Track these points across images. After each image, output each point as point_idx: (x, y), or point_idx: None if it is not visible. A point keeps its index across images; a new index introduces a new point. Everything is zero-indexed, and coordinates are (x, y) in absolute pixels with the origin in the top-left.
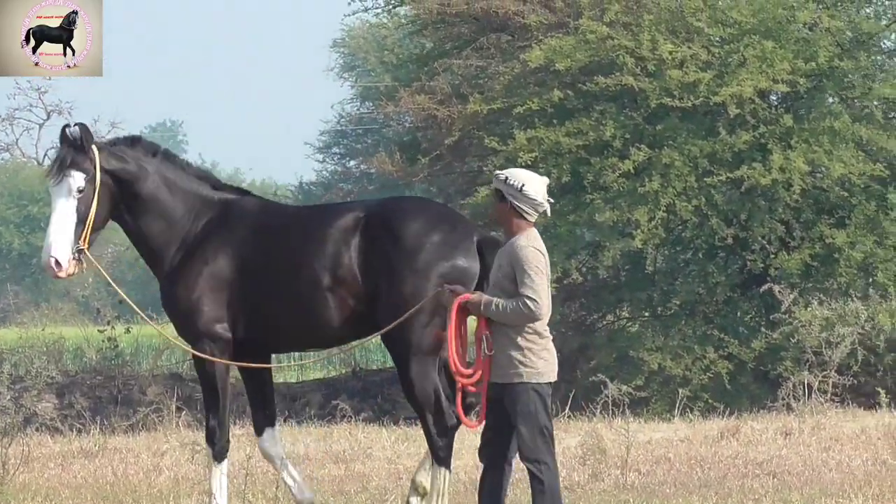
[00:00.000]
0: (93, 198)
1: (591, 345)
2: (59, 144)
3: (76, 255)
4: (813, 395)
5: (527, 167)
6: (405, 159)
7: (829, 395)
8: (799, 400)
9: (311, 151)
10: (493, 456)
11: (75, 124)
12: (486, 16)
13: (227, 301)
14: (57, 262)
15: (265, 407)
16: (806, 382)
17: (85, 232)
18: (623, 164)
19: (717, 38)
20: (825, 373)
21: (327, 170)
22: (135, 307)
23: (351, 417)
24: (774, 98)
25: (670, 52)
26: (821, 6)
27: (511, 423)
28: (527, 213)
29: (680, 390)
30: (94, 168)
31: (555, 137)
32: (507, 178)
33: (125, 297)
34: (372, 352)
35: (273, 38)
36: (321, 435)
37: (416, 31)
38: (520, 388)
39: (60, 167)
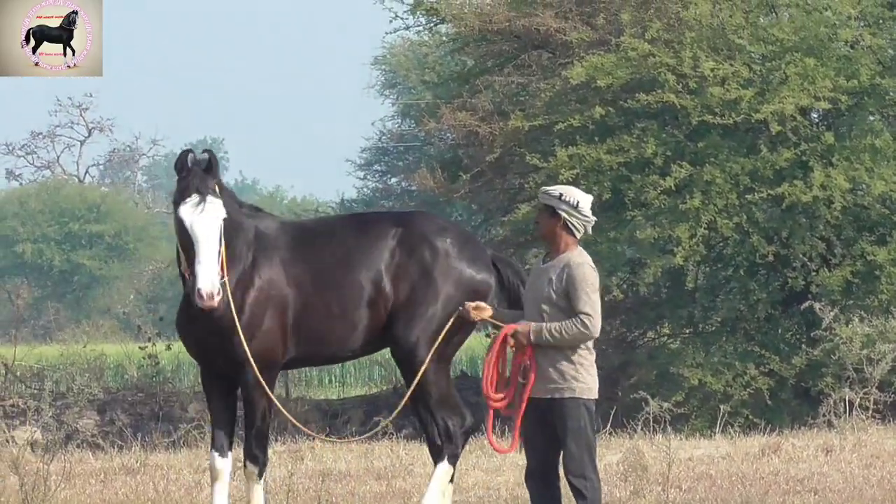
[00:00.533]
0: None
1: (632, 362)
2: (182, 171)
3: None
4: (854, 412)
5: (568, 184)
6: (446, 176)
7: (870, 411)
8: (840, 417)
9: (352, 168)
10: (545, 477)
11: (203, 151)
12: (528, 33)
13: (287, 324)
14: (214, 294)
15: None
16: (847, 399)
17: (221, 262)
18: (664, 181)
19: (759, 56)
20: (866, 389)
21: (368, 186)
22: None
23: (392, 434)
24: (816, 115)
25: (712, 70)
26: (863, 24)
27: (557, 440)
28: (577, 230)
29: (721, 406)
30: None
31: (596, 154)
32: (561, 194)
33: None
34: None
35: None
36: (362, 452)
37: (457, 49)
38: (571, 403)
39: (202, 194)
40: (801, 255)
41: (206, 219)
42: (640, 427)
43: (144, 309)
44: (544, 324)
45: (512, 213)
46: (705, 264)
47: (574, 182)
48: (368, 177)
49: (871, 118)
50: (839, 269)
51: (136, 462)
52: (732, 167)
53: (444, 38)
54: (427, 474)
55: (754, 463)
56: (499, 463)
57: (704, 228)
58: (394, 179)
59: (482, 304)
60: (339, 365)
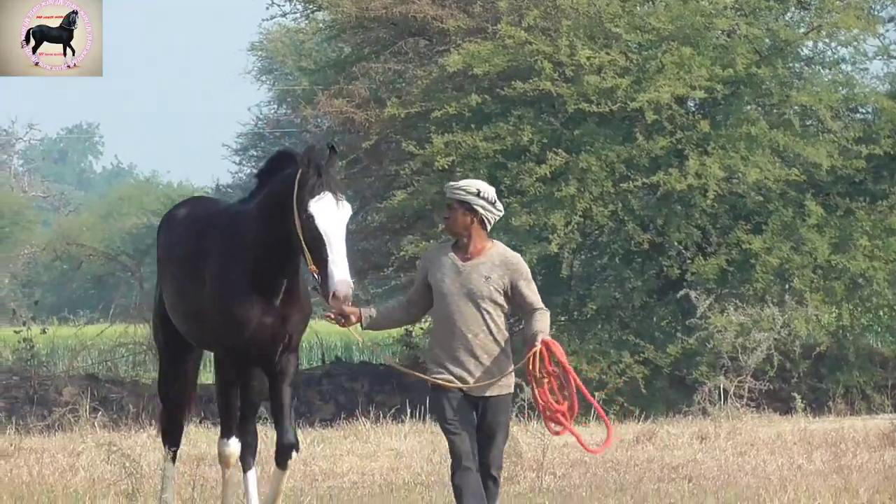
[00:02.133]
0: None
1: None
2: (309, 164)
3: None
4: (729, 400)
5: (443, 171)
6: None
7: (744, 400)
8: (715, 405)
9: (228, 154)
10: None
11: (329, 144)
12: (405, 20)
13: None
14: (349, 295)
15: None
16: (722, 387)
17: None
18: (540, 168)
19: (636, 45)
20: (741, 378)
21: (244, 172)
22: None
23: (266, 419)
24: (692, 104)
25: (588, 58)
26: (739, 14)
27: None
28: (489, 224)
29: (596, 394)
30: None
31: (472, 142)
32: (479, 190)
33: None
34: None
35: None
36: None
37: (334, 36)
38: (508, 399)
39: (333, 192)
40: (676, 244)
41: (338, 218)
42: (515, 413)
43: (20, 293)
44: (540, 324)
45: (388, 200)
46: (580, 252)
47: (449, 169)
48: (244, 162)
49: (747, 107)
50: (714, 257)
51: (11, 445)
52: (608, 155)
53: (320, 25)
54: (301, 459)
55: (629, 450)
56: (373, 449)
57: (580, 216)
58: None
59: (346, 308)
60: None
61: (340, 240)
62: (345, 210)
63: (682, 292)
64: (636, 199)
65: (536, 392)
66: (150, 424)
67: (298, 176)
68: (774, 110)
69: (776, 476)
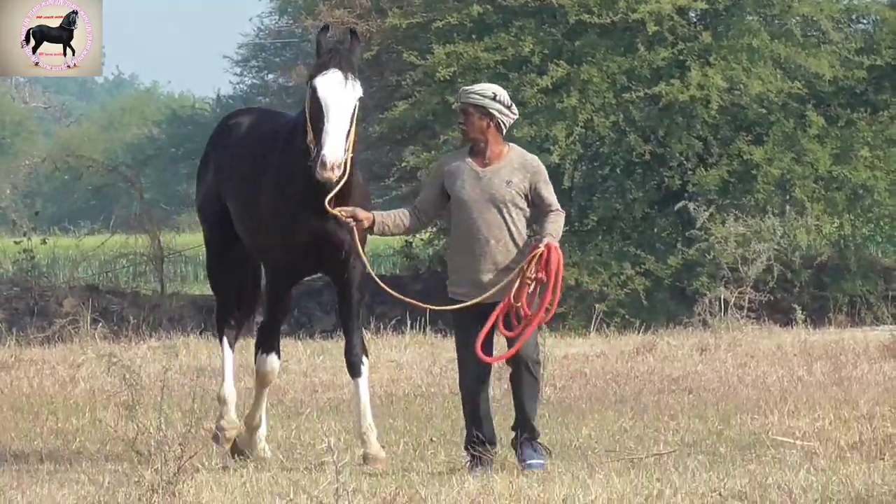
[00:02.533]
0: (355, 121)
1: None
2: (322, 47)
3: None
4: (729, 312)
5: (444, 82)
6: None
7: (745, 311)
8: (715, 316)
9: (229, 65)
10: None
11: (351, 29)
12: None
13: None
14: (336, 165)
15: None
16: (722, 298)
17: (349, 143)
18: (541, 79)
19: None
20: (741, 289)
21: (245, 83)
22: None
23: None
24: (693, 15)
25: None
26: None
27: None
28: (505, 128)
29: (596, 306)
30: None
31: (473, 52)
32: (495, 94)
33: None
34: None
35: None
36: (238, 348)
37: None
38: (533, 294)
39: (342, 70)
40: (677, 155)
41: (342, 93)
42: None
43: (21, 204)
44: (556, 231)
45: (389, 111)
46: (582, 163)
47: (451, 80)
48: (245, 73)
49: (749, 18)
50: (716, 168)
51: (11, 357)
52: (609, 66)
53: None
54: (301, 371)
55: (629, 362)
56: (373, 360)
57: (581, 127)
58: (271, 76)
59: (360, 213)
60: None
61: (340, 113)
62: (351, 89)
63: (682, 203)
64: (637, 110)
65: (514, 288)
66: (150, 336)
67: (315, 55)
68: (776, 21)
69: (776, 388)
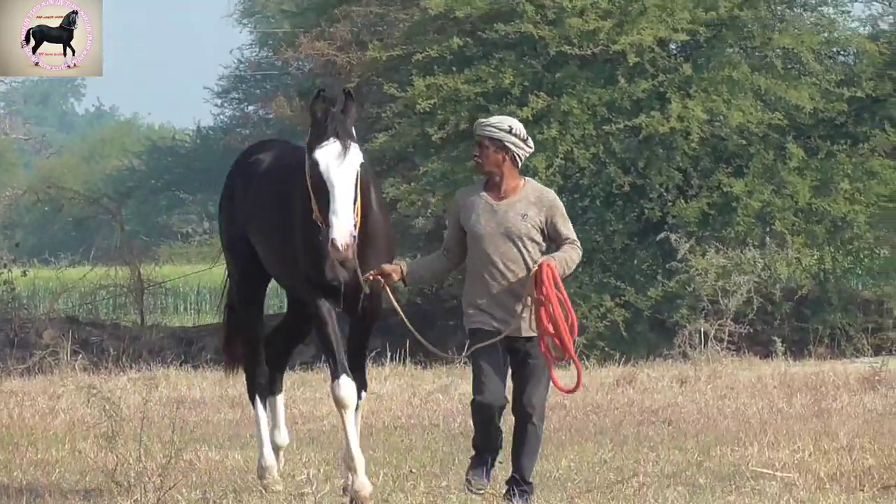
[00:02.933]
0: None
1: None
2: (318, 113)
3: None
4: (709, 344)
5: (425, 114)
6: (303, 105)
7: (724, 343)
8: (695, 348)
9: (210, 96)
10: (500, 413)
11: (345, 89)
12: None
13: None
14: (349, 246)
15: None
16: (702, 331)
17: (356, 210)
18: (521, 111)
19: None
20: (721, 321)
21: (225, 114)
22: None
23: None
24: (674, 47)
25: (570, 0)
26: None
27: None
28: (520, 162)
29: (576, 338)
30: None
31: (454, 84)
32: (511, 127)
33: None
34: (268, 296)
35: None
36: (217, 379)
37: None
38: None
39: (340, 138)
40: (657, 186)
41: (344, 166)
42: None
43: (1, 235)
44: (561, 255)
45: (369, 142)
46: (562, 194)
47: (431, 112)
48: (226, 105)
49: (730, 50)
50: (695, 200)
51: None
52: (590, 98)
53: None
54: (284, 402)
55: (609, 393)
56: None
57: (561, 159)
58: (251, 107)
59: (387, 267)
60: (195, 292)
61: (344, 188)
62: (352, 158)
63: (662, 235)
64: (618, 141)
65: (533, 316)
66: (131, 367)
67: (311, 122)
68: (756, 53)
69: (756, 419)
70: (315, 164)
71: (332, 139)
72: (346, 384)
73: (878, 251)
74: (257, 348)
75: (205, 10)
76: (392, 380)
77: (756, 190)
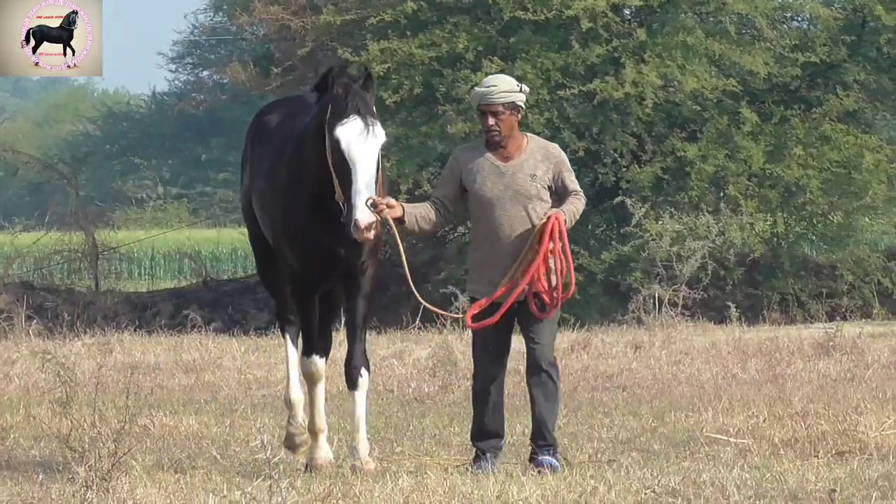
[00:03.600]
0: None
1: (442, 257)
2: (336, 87)
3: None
4: (663, 309)
5: (379, 78)
6: (258, 70)
7: (679, 308)
8: (649, 313)
9: (164, 62)
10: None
11: (365, 68)
12: None
13: None
14: (372, 226)
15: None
16: (656, 296)
17: (379, 187)
18: (475, 76)
19: None
20: (675, 286)
21: (180, 80)
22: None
23: (201, 328)
24: (628, 12)
25: None
26: None
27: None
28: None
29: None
30: None
31: (408, 49)
32: (520, 85)
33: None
34: (222, 262)
35: None
36: (171, 345)
37: None
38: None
39: (363, 115)
40: (611, 152)
41: (366, 145)
42: (449, 322)
43: None
44: (569, 208)
45: None
46: None
47: (385, 76)
48: (180, 70)
49: (684, 16)
50: (650, 165)
51: None
52: (544, 63)
53: None
54: (235, 368)
55: (564, 359)
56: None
57: None
58: (206, 73)
59: (392, 200)
60: (150, 258)
61: (366, 166)
62: (375, 136)
63: (617, 200)
64: (572, 107)
65: (533, 266)
66: (85, 332)
67: (330, 100)
68: (711, 18)
69: (710, 385)
70: (337, 142)
71: (353, 116)
72: (319, 361)
73: (831, 217)
74: (283, 289)
75: None
76: (345, 344)
77: (710, 155)
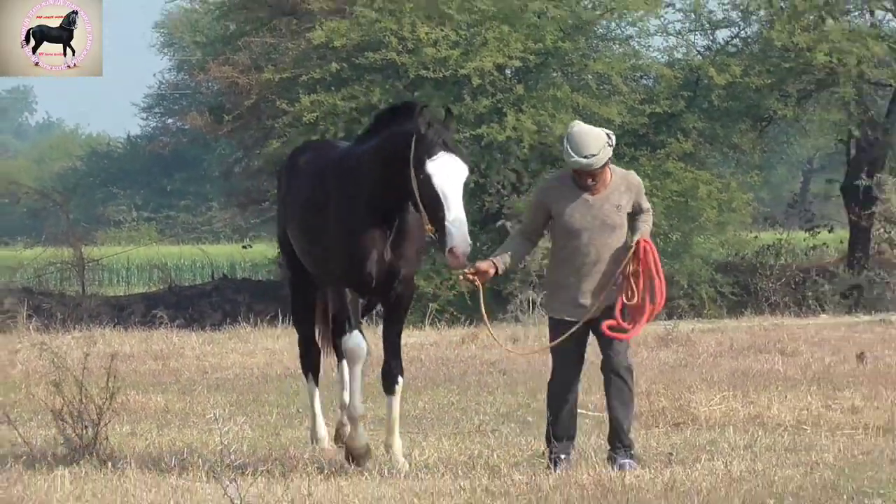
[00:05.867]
0: None
1: None
2: (423, 123)
3: None
4: (536, 309)
5: (309, 125)
6: (213, 118)
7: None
8: (525, 313)
9: (137, 111)
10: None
11: (446, 107)
12: (278, 3)
13: None
14: (467, 253)
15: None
16: (531, 299)
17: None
18: None
19: (465, 23)
20: (545, 291)
21: (150, 125)
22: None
23: (167, 324)
24: (509, 71)
25: (426, 34)
26: None
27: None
28: None
29: (430, 304)
30: None
31: (332, 101)
32: (609, 136)
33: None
34: (184, 271)
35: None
36: (143, 338)
37: (223, 15)
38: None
39: (450, 150)
40: (496, 184)
41: (456, 176)
42: (365, 320)
43: None
44: (645, 229)
45: (265, 148)
46: None
47: (314, 123)
48: (150, 117)
49: (554, 74)
50: (526, 194)
51: None
52: (442, 112)
53: (211, 7)
54: (195, 356)
55: (456, 349)
56: (252, 348)
57: None
58: (170, 120)
59: (482, 264)
60: (126, 268)
61: (457, 198)
62: (462, 169)
63: (500, 223)
64: (464, 147)
65: (626, 289)
66: (74, 328)
67: (416, 135)
68: (576, 77)
69: None
70: (428, 178)
71: (442, 152)
72: (358, 338)
73: (671, 236)
74: (310, 331)
75: (134, 41)
76: (283, 338)
77: None
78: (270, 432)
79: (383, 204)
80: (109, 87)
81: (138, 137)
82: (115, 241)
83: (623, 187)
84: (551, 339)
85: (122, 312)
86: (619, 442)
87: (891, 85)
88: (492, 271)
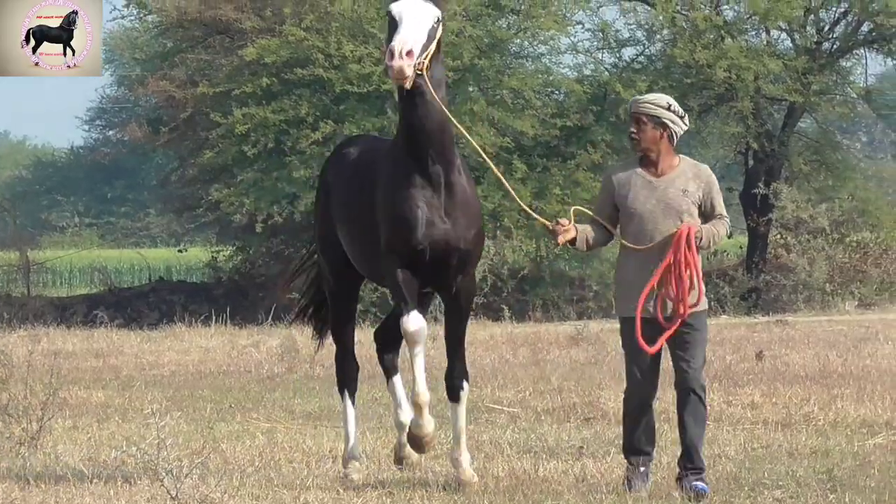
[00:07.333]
0: (435, 39)
1: (288, 271)
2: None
3: (418, 67)
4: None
5: (242, 136)
6: (151, 130)
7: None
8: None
9: (80, 123)
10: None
11: None
12: (213, 22)
13: None
14: (410, 52)
15: None
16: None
17: (427, 54)
18: (314, 134)
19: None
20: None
21: (92, 137)
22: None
23: (108, 324)
24: None
25: (351, 51)
26: (466, 18)
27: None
28: (675, 140)
29: (359, 306)
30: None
31: (263, 114)
32: (670, 104)
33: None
34: (123, 274)
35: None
36: (85, 337)
37: (161, 33)
38: (703, 315)
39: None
40: None
41: (414, 6)
42: (293, 320)
43: None
44: (708, 227)
45: (200, 157)
46: None
47: (245, 135)
48: (92, 129)
49: (471, 89)
50: None
51: None
52: (366, 125)
53: (150, 25)
54: (133, 354)
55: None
56: (187, 346)
57: None
58: (111, 132)
59: (565, 222)
60: (69, 270)
61: (411, 20)
62: (425, 6)
63: None
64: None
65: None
66: (19, 327)
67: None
68: (491, 92)
69: (489, 367)
70: (388, 13)
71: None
72: (416, 319)
73: None
74: (348, 346)
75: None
76: (216, 337)
77: (490, 195)
78: (205, 426)
79: (420, 152)
80: (55, 99)
81: (81, 148)
82: (58, 245)
83: (691, 174)
84: (623, 343)
85: (65, 312)
86: (690, 464)
87: (785, 100)
88: (572, 233)
